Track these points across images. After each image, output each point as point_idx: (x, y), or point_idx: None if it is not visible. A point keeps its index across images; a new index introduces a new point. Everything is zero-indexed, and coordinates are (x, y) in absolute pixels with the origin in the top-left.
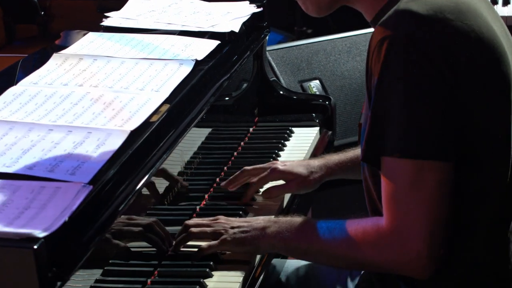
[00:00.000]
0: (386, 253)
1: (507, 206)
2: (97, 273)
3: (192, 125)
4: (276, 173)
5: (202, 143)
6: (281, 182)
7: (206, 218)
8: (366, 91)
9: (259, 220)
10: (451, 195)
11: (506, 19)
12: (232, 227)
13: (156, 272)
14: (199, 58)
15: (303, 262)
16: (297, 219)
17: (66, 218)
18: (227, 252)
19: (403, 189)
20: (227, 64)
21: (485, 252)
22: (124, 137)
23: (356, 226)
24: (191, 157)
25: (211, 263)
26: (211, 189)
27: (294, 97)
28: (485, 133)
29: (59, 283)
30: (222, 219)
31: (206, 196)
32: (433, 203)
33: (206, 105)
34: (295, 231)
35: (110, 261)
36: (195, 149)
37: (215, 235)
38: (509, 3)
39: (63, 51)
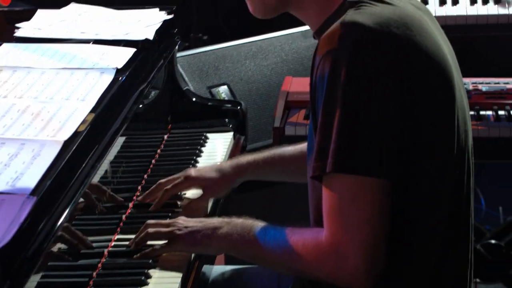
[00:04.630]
0: (325, 267)
1: (449, 222)
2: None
3: (120, 132)
4: (189, 180)
5: (118, 151)
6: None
7: (167, 221)
8: (311, 104)
9: (213, 221)
10: (390, 212)
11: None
12: (186, 227)
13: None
14: (119, 66)
15: (228, 267)
16: (248, 223)
17: (15, 230)
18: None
19: (342, 204)
20: (144, 71)
21: (426, 267)
22: (58, 147)
23: (297, 237)
24: (113, 166)
25: (146, 271)
26: (134, 197)
27: (208, 103)
28: (431, 148)
29: None
30: (180, 219)
31: (131, 204)
32: (372, 219)
33: (130, 113)
34: (243, 236)
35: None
36: (112, 158)
37: (170, 235)
38: (445, 3)
39: None
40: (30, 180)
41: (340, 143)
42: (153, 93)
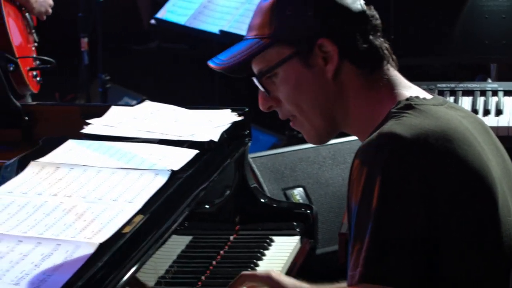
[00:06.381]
0: None
1: None
2: None
3: (166, 236)
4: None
5: (182, 251)
6: None
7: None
8: (347, 206)
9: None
10: None
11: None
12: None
13: None
14: (175, 169)
15: None
16: None
17: None
18: None
19: None
20: (205, 174)
21: None
22: (92, 249)
23: None
24: (169, 266)
25: None
26: None
27: (275, 205)
28: (464, 262)
29: None
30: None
31: None
32: None
33: (180, 216)
34: None
35: None
36: (175, 257)
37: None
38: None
39: (41, 159)
40: (57, 282)
41: (370, 254)
42: (227, 193)
